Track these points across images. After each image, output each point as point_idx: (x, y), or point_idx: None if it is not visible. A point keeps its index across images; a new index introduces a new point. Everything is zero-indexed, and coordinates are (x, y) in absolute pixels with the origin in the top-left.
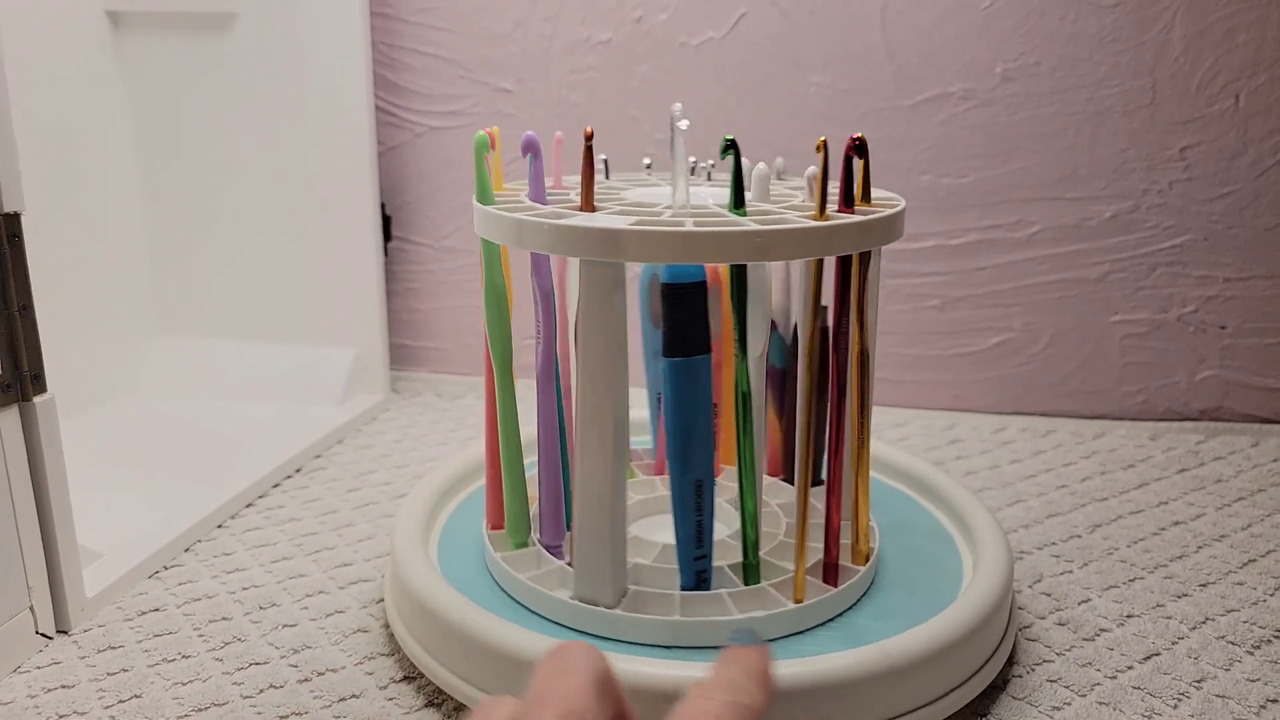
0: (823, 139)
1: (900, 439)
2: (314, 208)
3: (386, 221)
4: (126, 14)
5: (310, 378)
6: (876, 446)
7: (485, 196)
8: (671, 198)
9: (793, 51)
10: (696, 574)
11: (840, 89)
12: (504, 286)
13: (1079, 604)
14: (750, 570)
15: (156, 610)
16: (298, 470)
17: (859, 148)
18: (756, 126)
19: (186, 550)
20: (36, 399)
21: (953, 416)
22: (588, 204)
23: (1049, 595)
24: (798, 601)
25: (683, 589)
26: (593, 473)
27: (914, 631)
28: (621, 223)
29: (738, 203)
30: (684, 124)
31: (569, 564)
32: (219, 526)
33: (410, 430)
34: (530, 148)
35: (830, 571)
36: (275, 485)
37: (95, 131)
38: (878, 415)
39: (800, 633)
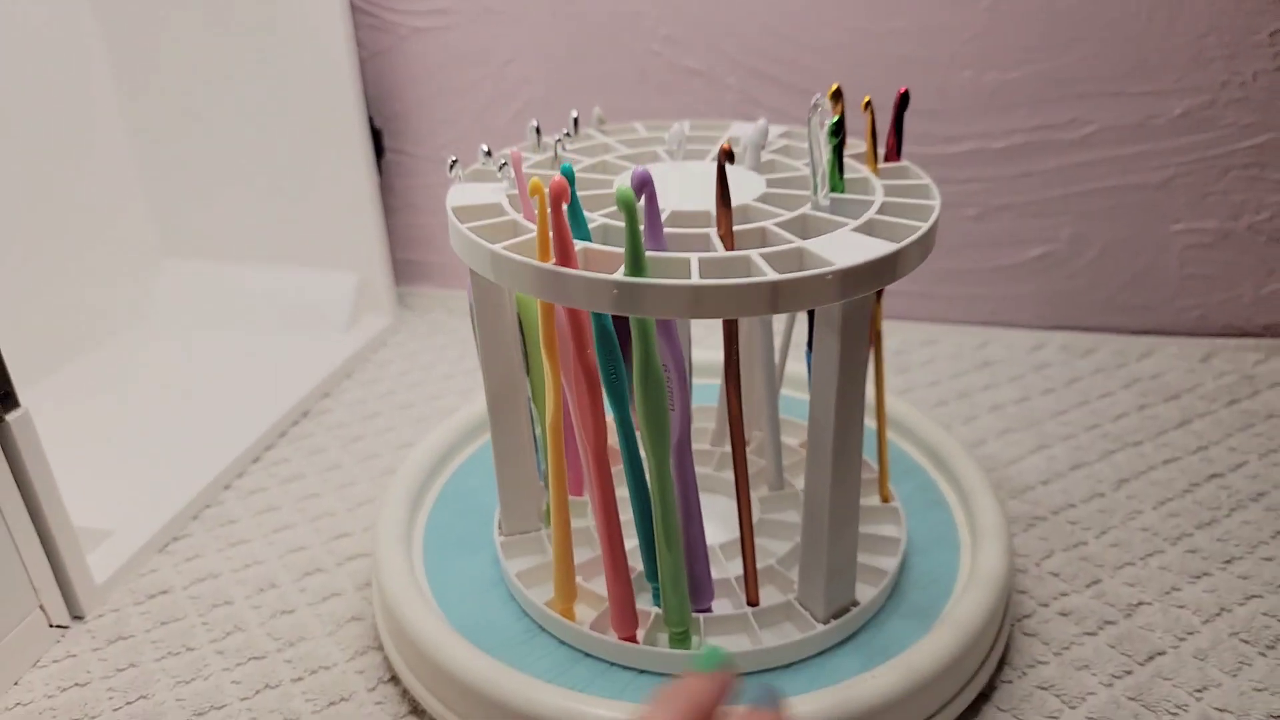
0: (868, 99)
1: (927, 360)
2: (299, 123)
3: (377, 135)
4: None
5: (316, 304)
6: (889, 399)
7: (641, 265)
8: (812, 192)
9: None
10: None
11: None
12: (661, 374)
13: (1087, 587)
14: None
15: (164, 593)
16: (305, 415)
17: (903, 103)
18: (749, 22)
19: (195, 519)
20: (10, 416)
21: (987, 333)
22: (729, 240)
23: (1057, 575)
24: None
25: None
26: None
27: (887, 668)
28: (881, 247)
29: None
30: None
31: (750, 603)
32: (225, 488)
33: (418, 358)
34: (644, 187)
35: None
36: (282, 434)
37: (70, 57)
38: (906, 331)
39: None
